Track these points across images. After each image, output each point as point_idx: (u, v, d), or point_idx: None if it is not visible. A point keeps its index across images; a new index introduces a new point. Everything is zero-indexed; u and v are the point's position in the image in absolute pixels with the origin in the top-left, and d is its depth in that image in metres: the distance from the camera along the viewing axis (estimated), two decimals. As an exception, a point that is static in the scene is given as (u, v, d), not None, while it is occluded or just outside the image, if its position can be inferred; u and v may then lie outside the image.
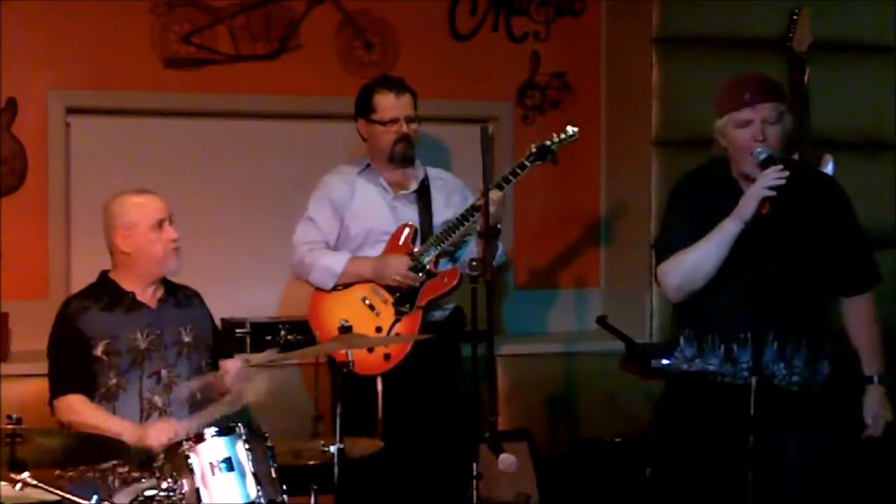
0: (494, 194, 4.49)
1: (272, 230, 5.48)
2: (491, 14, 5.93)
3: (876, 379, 3.91)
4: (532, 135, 5.58)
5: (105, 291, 4.20)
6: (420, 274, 4.67)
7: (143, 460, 3.88)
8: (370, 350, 4.59)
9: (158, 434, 3.87)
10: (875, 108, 5.96)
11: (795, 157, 4.86)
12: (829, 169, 5.40)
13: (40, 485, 3.40)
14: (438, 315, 4.80)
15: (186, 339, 4.21)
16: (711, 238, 3.74)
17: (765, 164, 3.72)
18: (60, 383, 4.08)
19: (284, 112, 5.70)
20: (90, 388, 4.07)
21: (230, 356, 4.44)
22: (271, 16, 5.63)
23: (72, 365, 4.09)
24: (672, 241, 3.87)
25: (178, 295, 4.30)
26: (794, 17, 5.17)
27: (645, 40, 5.77)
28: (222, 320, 5.23)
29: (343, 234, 4.82)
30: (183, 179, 5.53)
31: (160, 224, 4.15)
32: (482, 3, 5.91)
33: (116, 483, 3.89)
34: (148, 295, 4.21)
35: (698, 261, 3.76)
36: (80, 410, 4.00)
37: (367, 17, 5.75)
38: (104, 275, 4.25)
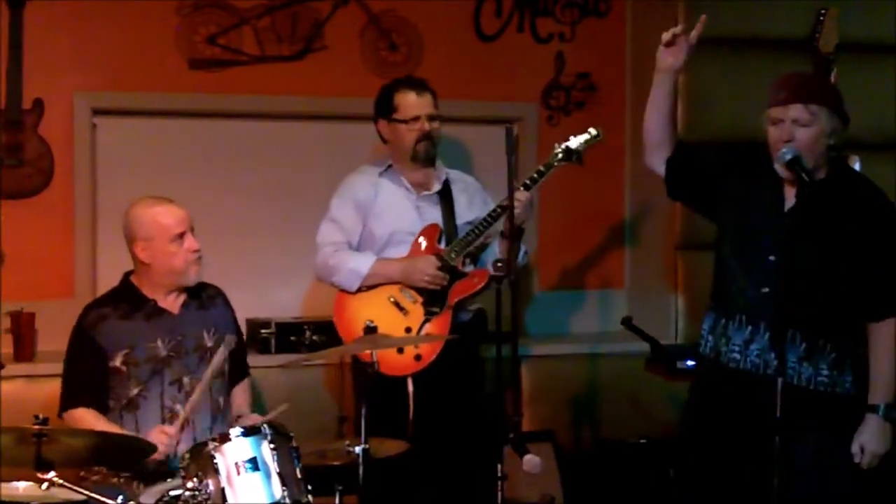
0: (521, 195, 4.50)
1: (297, 230, 5.48)
2: (516, 15, 5.92)
3: (880, 411, 3.79)
4: (557, 135, 5.56)
5: (126, 298, 4.19)
6: (447, 274, 4.66)
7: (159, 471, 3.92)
8: (400, 351, 4.58)
9: (156, 438, 3.90)
10: (902, 109, 5.93)
11: (856, 163, 4.87)
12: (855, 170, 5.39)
13: (66, 484, 3.42)
14: (463, 317, 4.79)
15: (209, 343, 4.21)
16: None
17: (790, 165, 3.72)
18: (70, 397, 4.10)
19: (309, 113, 5.70)
20: (102, 401, 4.09)
21: (246, 372, 4.45)
22: (296, 17, 5.63)
23: (84, 378, 4.10)
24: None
25: (201, 296, 4.28)
26: (821, 18, 5.14)
27: (670, 41, 5.74)
28: (247, 320, 5.24)
29: (366, 235, 4.79)
30: (208, 180, 5.55)
31: (181, 236, 4.12)
32: (507, 4, 5.90)
33: (141, 487, 3.89)
34: (170, 301, 4.20)
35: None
36: (88, 423, 4.01)
37: (391, 17, 5.75)
38: (126, 278, 4.24)
